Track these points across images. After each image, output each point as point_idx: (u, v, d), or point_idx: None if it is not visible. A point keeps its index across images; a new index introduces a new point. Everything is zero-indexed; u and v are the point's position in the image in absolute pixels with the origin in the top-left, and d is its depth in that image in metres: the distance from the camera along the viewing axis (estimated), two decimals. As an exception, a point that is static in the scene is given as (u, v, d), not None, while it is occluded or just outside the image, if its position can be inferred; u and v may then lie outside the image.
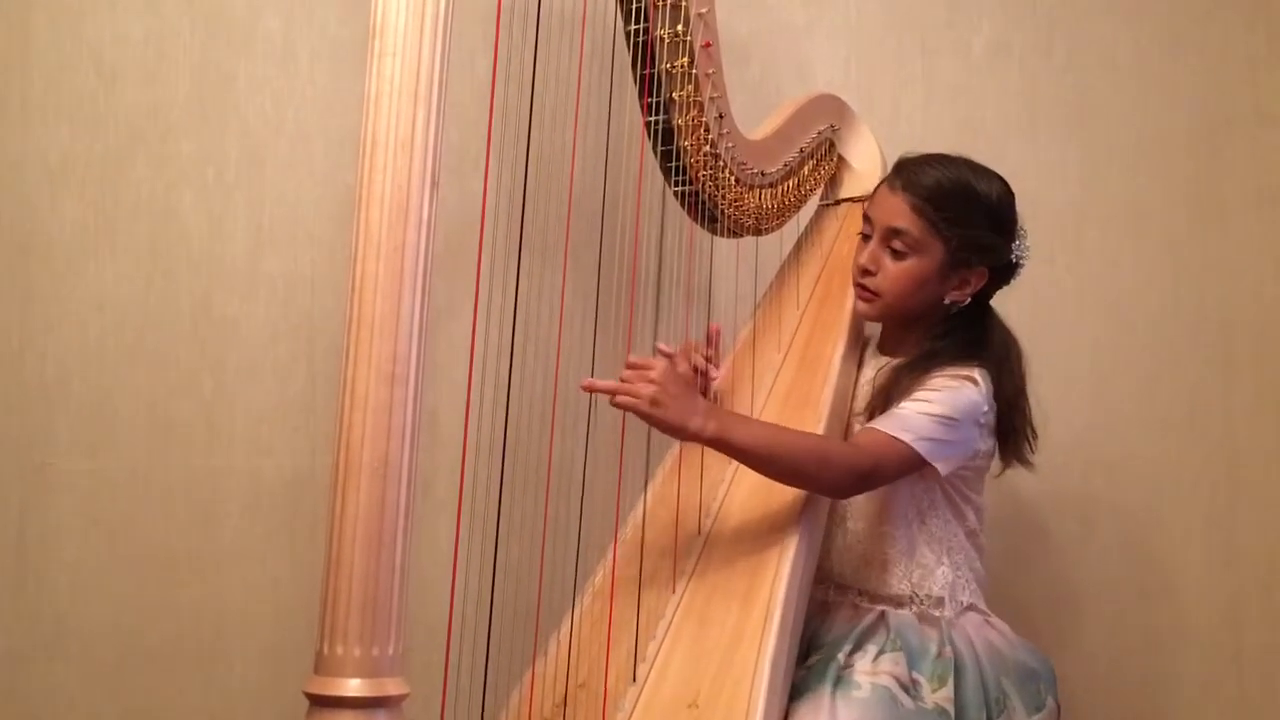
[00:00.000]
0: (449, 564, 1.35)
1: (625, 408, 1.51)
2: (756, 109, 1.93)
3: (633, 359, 1.54)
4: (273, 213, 2.03)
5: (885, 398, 1.67)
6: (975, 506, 1.73)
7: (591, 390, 1.53)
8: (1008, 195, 1.73)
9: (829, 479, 1.60)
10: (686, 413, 1.52)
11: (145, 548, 1.95)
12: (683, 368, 1.66)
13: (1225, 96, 2.31)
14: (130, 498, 1.95)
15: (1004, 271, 1.74)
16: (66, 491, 1.93)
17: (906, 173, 1.72)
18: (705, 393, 1.73)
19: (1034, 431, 1.73)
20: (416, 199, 1.21)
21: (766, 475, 1.59)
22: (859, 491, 1.64)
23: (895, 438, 1.59)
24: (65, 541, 1.92)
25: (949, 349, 1.69)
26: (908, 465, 1.60)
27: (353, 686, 1.17)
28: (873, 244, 1.73)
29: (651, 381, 1.51)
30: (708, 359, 1.76)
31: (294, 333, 2.02)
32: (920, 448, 1.59)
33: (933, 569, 1.69)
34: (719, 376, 1.77)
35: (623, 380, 1.52)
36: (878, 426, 1.61)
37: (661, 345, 1.61)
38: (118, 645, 1.93)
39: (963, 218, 1.69)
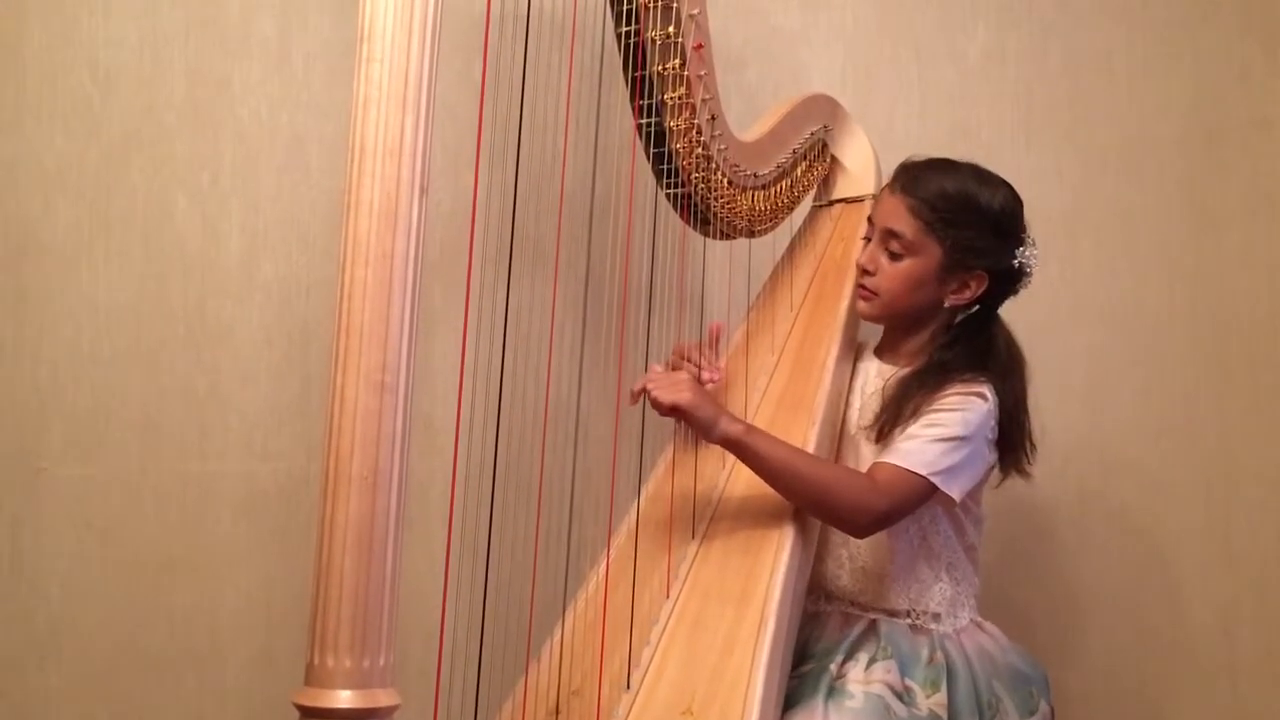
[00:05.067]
0: (443, 572, 1.35)
1: (668, 406, 1.55)
2: (752, 114, 1.93)
3: (656, 370, 1.60)
4: (267, 217, 2.02)
5: (895, 411, 1.67)
6: (975, 519, 1.74)
7: (634, 398, 1.59)
8: (1011, 202, 1.73)
9: (846, 516, 1.61)
10: (718, 412, 1.57)
11: (139, 552, 1.94)
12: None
13: (1219, 102, 2.30)
14: (124, 502, 1.95)
15: (1006, 277, 1.73)
16: (60, 496, 1.92)
17: (907, 175, 1.73)
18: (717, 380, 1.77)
19: (1033, 444, 1.73)
20: (405, 206, 1.20)
21: (782, 493, 1.60)
22: (876, 531, 1.64)
23: (911, 472, 1.59)
24: (58, 546, 1.92)
25: (958, 359, 1.70)
26: (924, 498, 1.61)
27: (343, 698, 1.16)
28: (871, 245, 1.75)
29: (685, 383, 1.57)
30: (703, 356, 1.77)
31: (288, 337, 2.02)
32: (936, 480, 1.59)
33: (930, 585, 1.69)
34: (717, 378, 1.77)
35: (653, 380, 1.57)
36: (892, 461, 1.61)
37: (675, 359, 1.67)
38: (111, 650, 1.92)
39: (960, 220, 1.69)
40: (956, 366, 1.68)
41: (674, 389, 1.56)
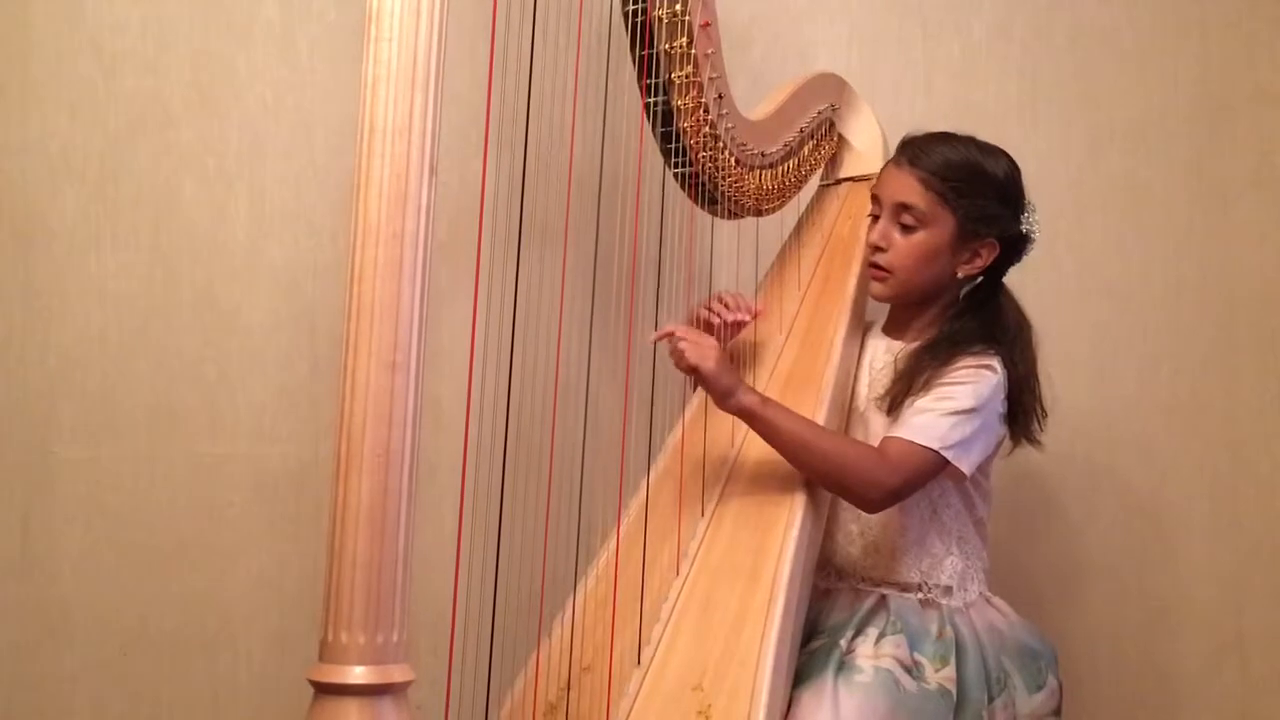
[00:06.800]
0: (454, 548, 1.35)
1: (690, 363, 1.58)
2: (758, 92, 1.92)
3: (683, 328, 1.63)
4: (274, 201, 2.02)
5: (907, 383, 1.67)
6: (984, 493, 1.74)
7: (659, 339, 1.62)
8: (1014, 169, 1.74)
9: (857, 490, 1.61)
10: (736, 383, 1.59)
11: (149, 536, 1.95)
12: None
13: (1226, 77, 2.30)
14: (134, 486, 1.95)
15: (1014, 244, 1.74)
16: (70, 480, 1.93)
17: (912, 149, 1.73)
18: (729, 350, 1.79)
19: (1044, 410, 1.73)
20: (415, 186, 1.20)
21: (795, 465, 1.61)
22: (888, 507, 1.64)
23: (923, 447, 1.59)
24: (69, 530, 1.93)
25: (967, 331, 1.70)
26: (935, 472, 1.62)
27: (358, 674, 1.17)
28: (882, 221, 1.74)
29: (712, 347, 1.59)
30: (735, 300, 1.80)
31: (296, 320, 2.02)
32: (948, 454, 1.60)
33: (942, 558, 1.70)
34: (746, 319, 1.81)
35: (681, 336, 1.60)
36: (902, 435, 1.61)
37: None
38: (122, 633, 1.93)
39: (970, 189, 1.70)
40: (966, 338, 1.69)
41: (699, 351, 1.58)
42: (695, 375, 1.61)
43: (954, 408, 1.61)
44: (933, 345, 1.70)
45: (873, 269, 1.76)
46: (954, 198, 1.69)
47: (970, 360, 1.66)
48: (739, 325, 1.81)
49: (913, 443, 1.60)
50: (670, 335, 1.62)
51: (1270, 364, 2.27)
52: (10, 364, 1.92)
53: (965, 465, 1.62)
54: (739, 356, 1.81)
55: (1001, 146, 1.75)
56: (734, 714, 1.41)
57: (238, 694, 1.97)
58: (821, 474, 1.61)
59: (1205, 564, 2.26)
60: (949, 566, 1.70)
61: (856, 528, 1.73)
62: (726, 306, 1.79)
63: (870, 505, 1.64)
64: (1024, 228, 1.73)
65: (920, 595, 1.68)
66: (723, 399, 1.59)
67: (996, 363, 1.66)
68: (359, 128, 1.21)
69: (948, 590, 1.69)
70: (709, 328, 1.76)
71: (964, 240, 1.71)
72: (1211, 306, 2.28)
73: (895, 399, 1.68)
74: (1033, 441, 1.74)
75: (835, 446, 1.62)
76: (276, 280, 2.02)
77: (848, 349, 1.79)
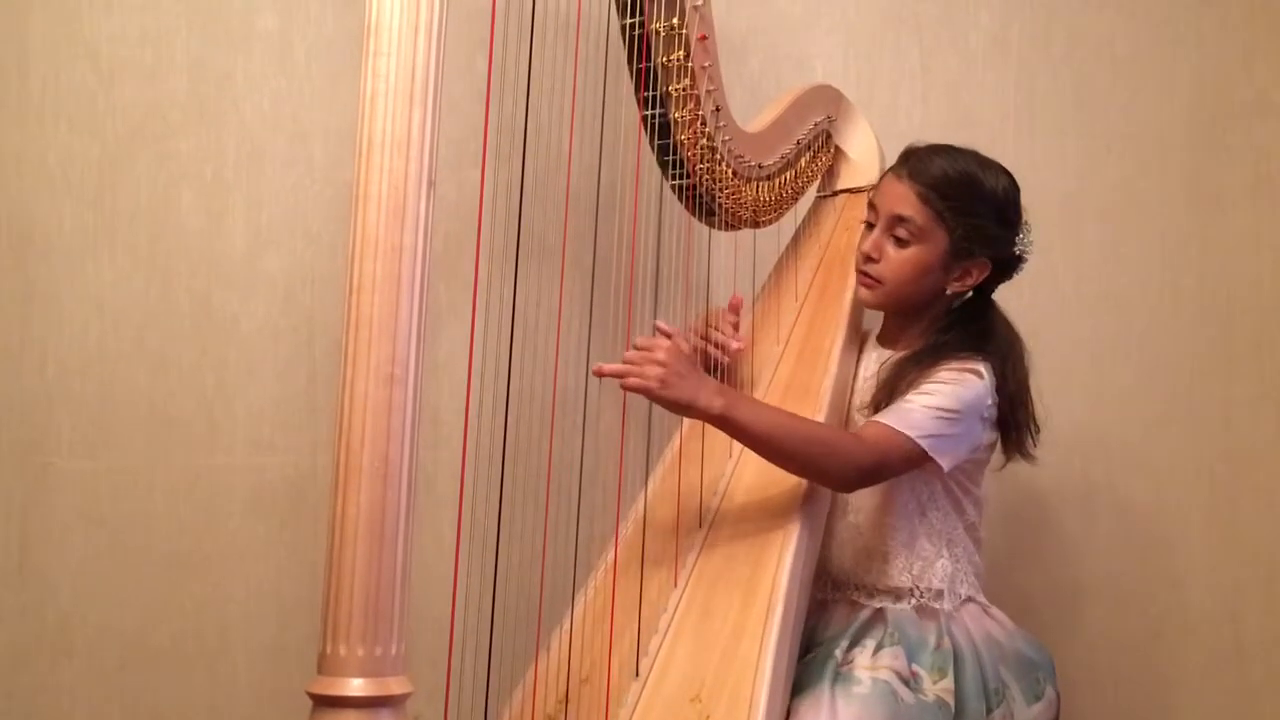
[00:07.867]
0: (452, 561, 1.35)
1: (633, 389, 1.52)
2: (756, 104, 1.93)
3: (638, 340, 1.54)
4: (272, 211, 2.03)
5: (890, 390, 1.67)
6: (975, 499, 1.74)
7: (601, 375, 1.53)
8: (1013, 189, 1.74)
9: (833, 471, 1.60)
10: (695, 389, 1.53)
11: (147, 547, 1.95)
12: (684, 347, 1.63)
13: (1222, 87, 2.30)
14: (132, 497, 1.95)
15: (1006, 265, 1.74)
16: (68, 491, 1.93)
17: (913, 161, 1.72)
18: (727, 365, 1.76)
19: (1036, 425, 1.73)
20: (413, 200, 1.21)
21: (769, 459, 1.60)
22: (863, 486, 1.65)
23: (899, 432, 1.59)
24: (67, 541, 1.93)
25: (953, 342, 1.70)
26: (912, 461, 1.61)
27: (356, 686, 1.18)
28: (876, 231, 1.74)
29: (658, 362, 1.51)
30: (726, 323, 1.77)
31: (294, 331, 2.02)
32: (924, 444, 1.59)
33: (933, 561, 1.70)
34: (741, 345, 1.76)
35: (628, 361, 1.52)
36: (882, 420, 1.61)
37: (661, 324, 1.59)
38: (120, 644, 1.93)
39: (967, 208, 1.69)
40: (951, 348, 1.68)
41: (640, 370, 1.50)
42: (649, 399, 1.54)
43: (934, 403, 1.61)
44: (917, 355, 1.70)
45: (861, 276, 1.76)
46: (950, 216, 1.68)
47: (956, 364, 1.66)
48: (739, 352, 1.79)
49: (890, 427, 1.60)
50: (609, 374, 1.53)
51: (1268, 373, 2.27)
52: (8, 374, 1.92)
53: (943, 459, 1.61)
54: (737, 369, 1.82)
55: (997, 157, 1.75)
56: (732, 725, 1.41)
57: (235, 704, 1.97)
58: (796, 459, 1.59)
59: (1202, 574, 2.26)
60: (939, 570, 1.69)
61: (848, 534, 1.73)
62: (723, 333, 1.76)
63: (844, 485, 1.64)
64: (1017, 249, 1.73)
65: (914, 601, 1.68)
66: (684, 412, 1.55)
67: (983, 368, 1.66)
68: (357, 142, 1.22)
69: (939, 594, 1.68)
70: (705, 358, 1.76)
71: (956, 258, 1.71)
72: (1208, 316, 2.28)
73: (879, 407, 1.68)
74: (1025, 455, 1.73)
75: (807, 430, 1.60)
76: (274, 290, 2.02)
77: (845, 359, 1.79)
